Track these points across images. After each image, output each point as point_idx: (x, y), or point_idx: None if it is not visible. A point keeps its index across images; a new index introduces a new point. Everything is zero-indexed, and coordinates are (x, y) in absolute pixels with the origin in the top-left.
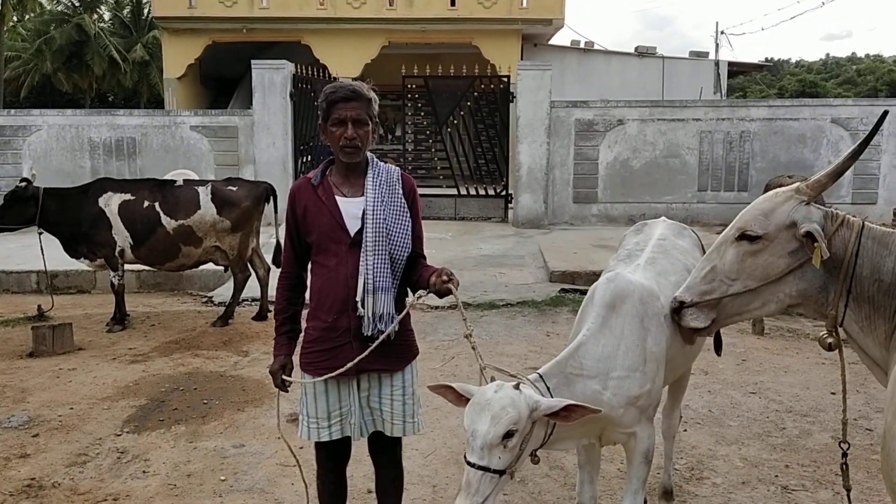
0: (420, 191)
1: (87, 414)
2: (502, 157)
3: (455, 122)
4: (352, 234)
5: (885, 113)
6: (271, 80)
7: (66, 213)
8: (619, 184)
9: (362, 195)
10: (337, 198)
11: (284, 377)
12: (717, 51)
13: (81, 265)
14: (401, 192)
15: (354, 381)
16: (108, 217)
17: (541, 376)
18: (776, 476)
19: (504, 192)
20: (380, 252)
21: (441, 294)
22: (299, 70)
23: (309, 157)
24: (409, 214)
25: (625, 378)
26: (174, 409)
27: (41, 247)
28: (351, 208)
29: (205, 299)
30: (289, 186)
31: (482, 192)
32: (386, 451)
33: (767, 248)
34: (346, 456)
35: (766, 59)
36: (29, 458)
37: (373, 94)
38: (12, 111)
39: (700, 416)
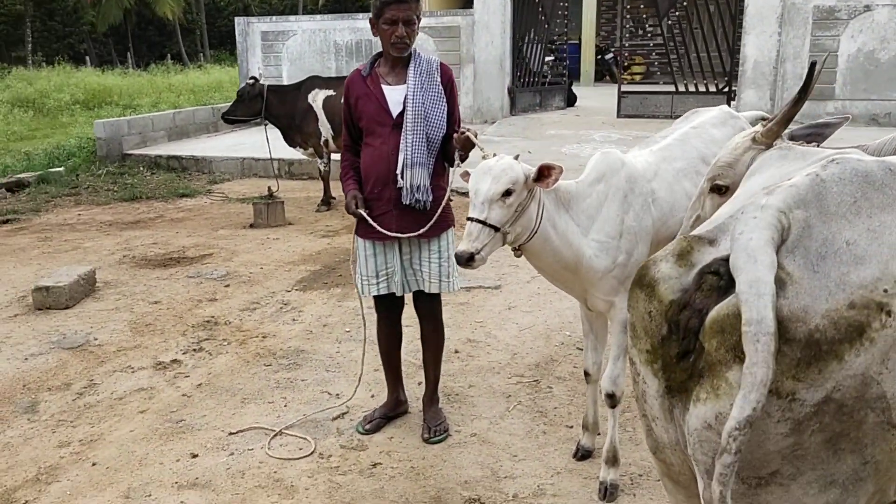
0: (634, 88)
1: (271, 273)
2: (727, 49)
3: (677, 13)
4: (394, 116)
5: (814, 64)
6: None
7: (284, 107)
8: (861, 79)
9: (405, 83)
10: (383, 86)
11: (359, 209)
12: None
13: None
14: (439, 80)
15: (397, 246)
16: (315, 111)
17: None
18: None
19: (727, 89)
20: (418, 132)
21: (465, 146)
22: None
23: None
24: (445, 100)
25: (603, 243)
26: (339, 276)
27: (266, 136)
28: (395, 95)
29: None
30: (505, 85)
31: (702, 88)
32: (425, 305)
33: None
34: (398, 307)
35: None
36: (216, 302)
37: None
38: (274, 18)
39: None
